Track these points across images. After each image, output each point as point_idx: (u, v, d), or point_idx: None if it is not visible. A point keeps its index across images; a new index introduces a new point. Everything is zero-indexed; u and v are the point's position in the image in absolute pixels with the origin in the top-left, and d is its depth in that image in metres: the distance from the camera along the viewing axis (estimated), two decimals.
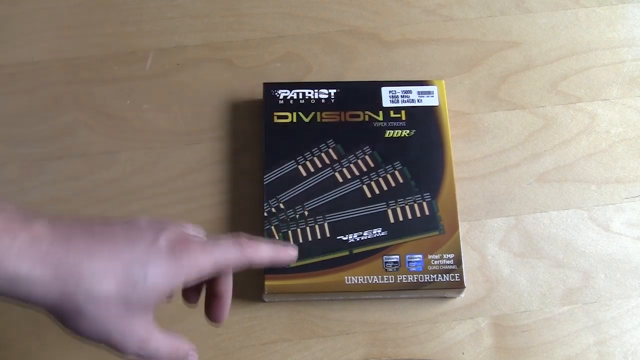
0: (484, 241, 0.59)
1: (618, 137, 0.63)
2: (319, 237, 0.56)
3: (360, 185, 0.58)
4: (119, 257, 0.37)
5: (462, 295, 0.56)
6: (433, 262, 0.55)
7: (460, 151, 0.61)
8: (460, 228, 0.56)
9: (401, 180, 0.58)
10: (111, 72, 0.64)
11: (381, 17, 0.67)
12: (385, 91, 0.61)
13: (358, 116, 0.60)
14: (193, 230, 0.43)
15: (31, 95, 0.63)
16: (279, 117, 0.60)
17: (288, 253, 0.43)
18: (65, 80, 0.64)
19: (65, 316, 0.37)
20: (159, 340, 0.40)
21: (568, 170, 0.61)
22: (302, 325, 0.56)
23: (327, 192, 0.57)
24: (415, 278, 0.54)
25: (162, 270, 0.38)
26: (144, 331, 0.39)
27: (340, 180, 0.58)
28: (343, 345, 0.55)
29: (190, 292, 0.45)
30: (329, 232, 0.56)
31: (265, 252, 0.42)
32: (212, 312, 0.45)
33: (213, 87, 0.64)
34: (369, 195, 0.57)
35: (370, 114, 0.60)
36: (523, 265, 0.58)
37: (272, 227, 0.56)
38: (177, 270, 0.39)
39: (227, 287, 0.44)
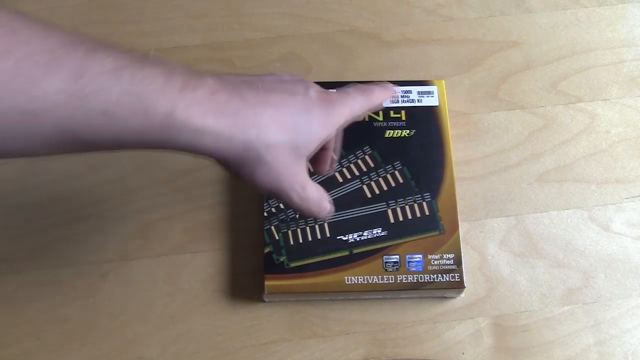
0: (484, 241, 0.59)
1: (618, 137, 0.63)
2: (319, 237, 0.56)
3: (360, 185, 0.58)
4: (287, 108, 0.39)
5: (462, 295, 0.56)
6: (433, 262, 0.55)
7: (460, 151, 0.61)
8: (460, 228, 0.56)
9: (401, 180, 0.58)
10: None
11: (381, 17, 0.67)
12: None
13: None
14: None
15: None
16: None
17: (389, 87, 0.48)
18: None
19: (244, 165, 0.38)
20: (312, 186, 0.43)
21: (568, 170, 0.61)
22: (302, 325, 0.56)
23: (327, 192, 0.57)
24: (415, 278, 0.54)
25: (320, 119, 0.41)
26: (304, 178, 0.42)
27: (340, 180, 0.58)
28: (343, 345, 0.55)
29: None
30: (329, 232, 0.56)
31: (379, 92, 0.46)
32: (318, 163, 0.49)
33: None
34: (369, 195, 0.57)
35: (370, 113, 0.60)
36: (523, 265, 0.58)
37: (272, 227, 0.56)
38: (330, 119, 0.42)
39: (338, 138, 0.49)
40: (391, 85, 0.48)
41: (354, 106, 0.43)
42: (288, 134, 0.39)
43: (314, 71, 0.65)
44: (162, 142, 0.36)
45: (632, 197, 0.61)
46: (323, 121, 0.41)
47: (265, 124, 0.38)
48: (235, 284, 0.57)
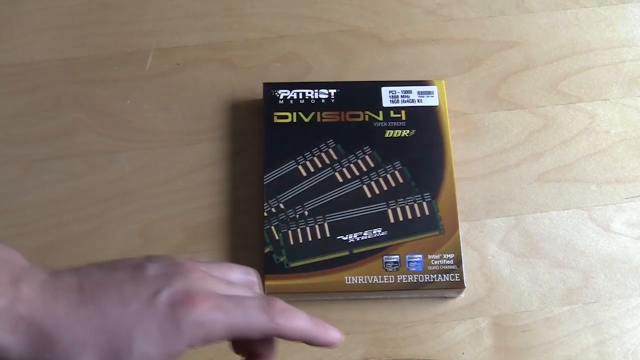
0: (484, 241, 0.59)
1: (618, 137, 0.63)
2: (319, 237, 0.56)
3: (360, 185, 0.58)
4: (104, 322, 0.32)
5: (462, 295, 0.56)
6: (433, 262, 0.55)
7: (460, 151, 0.61)
8: (460, 228, 0.56)
9: (401, 180, 0.58)
10: (111, 72, 0.64)
11: (381, 17, 0.67)
12: (385, 91, 0.61)
13: (358, 116, 0.60)
14: (240, 273, 0.37)
15: (31, 95, 0.63)
16: (279, 117, 0.60)
17: (328, 333, 0.37)
18: (65, 80, 0.64)
19: None
20: None
21: (568, 170, 0.61)
22: None
23: (327, 192, 0.57)
24: (415, 278, 0.54)
25: (153, 336, 0.32)
26: None
27: (340, 180, 0.58)
28: (343, 345, 0.55)
29: (238, 345, 0.39)
30: (329, 232, 0.56)
31: (301, 324, 0.36)
32: None
33: (213, 87, 0.64)
34: (369, 195, 0.57)
35: (370, 113, 0.60)
36: (523, 265, 0.58)
37: (272, 227, 0.56)
38: (175, 336, 0.32)
39: (266, 351, 0.37)
40: (335, 332, 0.37)
41: (238, 321, 0.33)
42: (95, 357, 0.31)
43: (314, 71, 0.65)
44: None
45: (632, 197, 0.61)
46: (159, 339, 0.32)
47: (64, 344, 0.31)
48: None
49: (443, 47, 0.66)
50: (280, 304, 0.35)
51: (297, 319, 0.35)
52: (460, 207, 0.57)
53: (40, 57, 0.65)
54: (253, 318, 0.34)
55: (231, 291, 0.35)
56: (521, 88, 0.64)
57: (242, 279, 0.38)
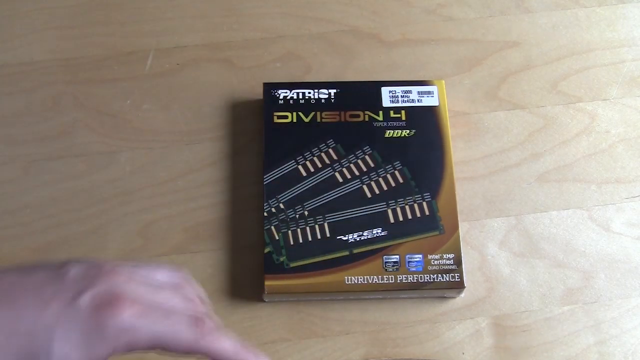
0: (484, 241, 0.59)
1: (618, 137, 0.63)
2: (318, 237, 0.56)
3: (360, 185, 0.58)
4: (21, 324, 0.30)
5: (462, 295, 0.56)
6: (433, 262, 0.55)
7: (460, 151, 0.61)
8: (460, 228, 0.56)
9: (401, 180, 0.58)
10: (111, 72, 0.64)
11: (381, 17, 0.67)
12: (385, 91, 0.61)
13: (358, 116, 0.60)
14: (167, 274, 0.36)
15: (31, 95, 0.63)
16: (279, 117, 0.60)
17: (255, 357, 0.35)
18: (65, 80, 0.64)
19: None
20: None
21: (568, 170, 0.61)
22: (302, 325, 0.56)
23: (327, 192, 0.57)
24: (415, 278, 0.54)
25: (75, 339, 0.30)
26: None
27: (340, 180, 0.58)
28: (343, 345, 0.55)
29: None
30: (329, 232, 0.56)
31: (228, 346, 0.33)
32: None
33: (213, 87, 0.64)
34: (369, 195, 0.57)
35: (370, 114, 0.60)
36: (523, 265, 0.58)
37: (272, 227, 0.56)
38: (98, 340, 0.30)
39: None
40: (264, 357, 0.35)
41: (163, 333, 0.31)
42: None
43: (314, 71, 0.65)
44: None
45: (632, 197, 0.61)
46: (80, 342, 0.30)
47: None
48: (235, 284, 0.57)
49: (443, 47, 0.66)
50: (209, 323, 0.33)
51: (225, 341, 0.33)
52: (460, 207, 0.57)
53: (40, 57, 0.65)
54: (181, 333, 0.32)
55: (157, 296, 0.33)
56: (521, 88, 0.64)
57: (168, 281, 0.36)
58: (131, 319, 0.31)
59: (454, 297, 0.57)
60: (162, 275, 0.36)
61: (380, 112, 0.60)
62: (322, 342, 0.55)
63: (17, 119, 0.62)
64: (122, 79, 0.64)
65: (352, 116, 0.60)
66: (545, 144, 0.62)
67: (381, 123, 0.60)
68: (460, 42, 0.66)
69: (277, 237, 0.56)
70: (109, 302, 0.31)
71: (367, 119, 0.60)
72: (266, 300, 0.56)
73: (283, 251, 0.55)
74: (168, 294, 0.34)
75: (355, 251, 0.55)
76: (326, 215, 0.56)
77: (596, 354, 0.55)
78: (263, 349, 0.54)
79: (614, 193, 0.61)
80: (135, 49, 0.65)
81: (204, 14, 0.67)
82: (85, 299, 0.31)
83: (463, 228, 0.58)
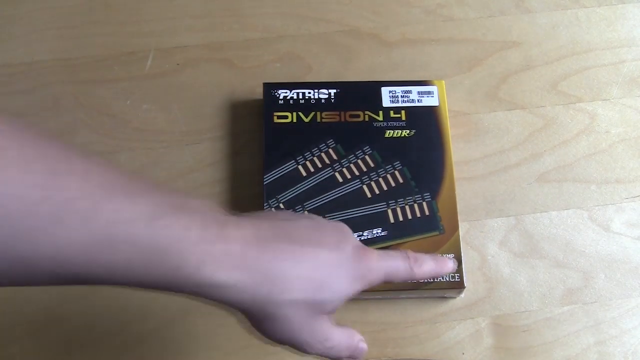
0: (484, 241, 0.59)
1: (618, 137, 0.63)
2: None
3: (360, 185, 0.58)
4: (307, 261, 0.38)
5: (462, 295, 0.56)
6: None
7: (460, 151, 0.61)
8: (460, 228, 0.56)
9: (401, 180, 0.58)
10: (111, 72, 0.64)
11: (381, 17, 0.67)
12: (385, 91, 0.61)
13: (358, 116, 0.60)
14: None
15: (31, 95, 0.63)
16: (279, 117, 0.60)
17: (448, 265, 0.45)
18: (65, 80, 0.64)
19: (255, 318, 0.38)
20: (338, 336, 0.42)
21: (568, 170, 0.61)
22: None
23: (327, 192, 0.57)
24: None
25: (346, 276, 0.39)
26: (326, 330, 0.41)
27: (340, 180, 0.58)
28: None
29: None
30: None
31: (430, 267, 0.43)
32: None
33: (213, 87, 0.64)
34: (369, 195, 0.57)
35: (370, 113, 0.60)
36: (523, 265, 0.58)
37: None
38: (359, 277, 0.40)
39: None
40: (450, 262, 0.45)
41: (390, 269, 0.41)
42: (312, 291, 0.38)
43: (314, 71, 0.65)
44: (183, 288, 0.35)
45: (632, 197, 0.61)
46: (350, 278, 0.39)
47: (279, 280, 0.36)
48: None
49: (443, 47, 0.66)
50: (412, 252, 0.43)
51: (427, 264, 0.43)
52: (460, 207, 0.57)
53: (40, 57, 0.65)
54: (400, 268, 0.42)
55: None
56: (521, 88, 0.64)
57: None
58: (375, 263, 0.40)
59: (453, 297, 0.57)
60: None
61: (381, 112, 0.60)
62: None
63: (16, 118, 0.62)
64: (122, 79, 0.64)
65: (352, 116, 0.60)
66: (545, 144, 0.62)
67: (381, 123, 0.60)
68: (460, 42, 0.66)
69: None
70: (362, 251, 0.40)
71: (367, 119, 0.60)
72: None
73: None
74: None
75: None
76: (326, 215, 0.56)
77: (596, 354, 0.55)
78: (263, 349, 0.54)
79: (614, 193, 0.61)
80: (135, 49, 0.65)
81: (204, 14, 0.67)
82: (348, 247, 0.40)
83: (463, 228, 0.58)
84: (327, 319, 0.41)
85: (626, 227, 0.59)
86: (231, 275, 0.35)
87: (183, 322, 0.55)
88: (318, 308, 0.39)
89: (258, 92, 0.61)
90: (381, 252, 0.42)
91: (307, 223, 0.40)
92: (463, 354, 0.55)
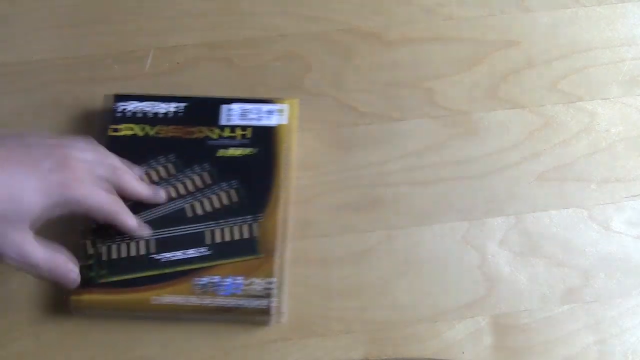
0: (484, 240, 0.59)
1: (618, 136, 0.63)
2: (136, 253, 0.54)
3: (184, 204, 0.56)
4: (9, 175, 0.43)
5: (284, 320, 0.54)
6: (246, 286, 0.53)
7: (460, 150, 0.61)
8: (460, 227, 0.56)
9: (231, 200, 0.56)
10: (111, 71, 0.64)
11: (381, 16, 0.67)
12: (224, 109, 0.59)
13: (193, 133, 0.58)
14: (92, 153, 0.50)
15: (31, 94, 0.63)
16: (124, 129, 0.58)
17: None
18: (65, 80, 0.64)
19: None
20: (36, 251, 0.46)
21: (568, 169, 0.61)
22: (302, 325, 0.56)
23: (155, 207, 0.56)
24: (225, 302, 0.52)
25: (38, 190, 0.44)
26: (21, 240, 0.45)
27: (174, 196, 0.56)
28: (343, 344, 0.55)
29: None
30: (146, 249, 0.54)
31: (131, 223, 0.52)
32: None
33: (213, 86, 0.64)
34: (195, 214, 0.55)
35: (206, 131, 0.58)
36: (523, 265, 0.58)
37: (88, 242, 0.54)
38: (52, 194, 0.45)
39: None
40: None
41: (92, 206, 0.48)
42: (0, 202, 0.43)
43: (314, 71, 0.65)
44: None
45: (632, 196, 0.61)
46: (42, 193, 0.44)
47: None
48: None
49: (443, 46, 0.66)
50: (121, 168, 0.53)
51: (130, 220, 0.52)
52: (459, 206, 0.57)
53: (40, 56, 0.65)
54: (103, 211, 0.50)
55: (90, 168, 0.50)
56: (521, 87, 0.64)
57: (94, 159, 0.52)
58: (76, 187, 0.46)
59: (267, 324, 0.54)
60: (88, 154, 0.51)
61: (217, 130, 0.58)
62: (322, 341, 0.55)
63: (17, 118, 0.62)
64: (122, 78, 0.64)
65: (188, 132, 0.58)
66: (545, 143, 0.62)
67: (215, 141, 0.58)
68: (460, 41, 0.66)
69: (91, 252, 0.54)
70: (62, 169, 0.46)
71: (201, 136, 0.58)
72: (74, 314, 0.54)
73: (94, 267, 0.53)
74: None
75: (167, 271, 0.53)
76: (154, 232, 0.55)
77: (596, 353, 0.55)
78: (263, 348, 0.54)
79: (614, 192, 0.61)
80: (135, 48, 0.65)
81: (204, 13, 0.67)
82: (46, 163, 0.45)
83: (463, 227, 0.58)
84: (24, 232, 0.45)
85: (626, 226, 0.59)
86: None
87: (181, 322, 0.55)
88: (8, 218, 0.43)
89: (257, 92, 0.62)
90: (94, 183, 0.48)
91: (16, 142, 0.46)
92: (463, 353, 0.55)
